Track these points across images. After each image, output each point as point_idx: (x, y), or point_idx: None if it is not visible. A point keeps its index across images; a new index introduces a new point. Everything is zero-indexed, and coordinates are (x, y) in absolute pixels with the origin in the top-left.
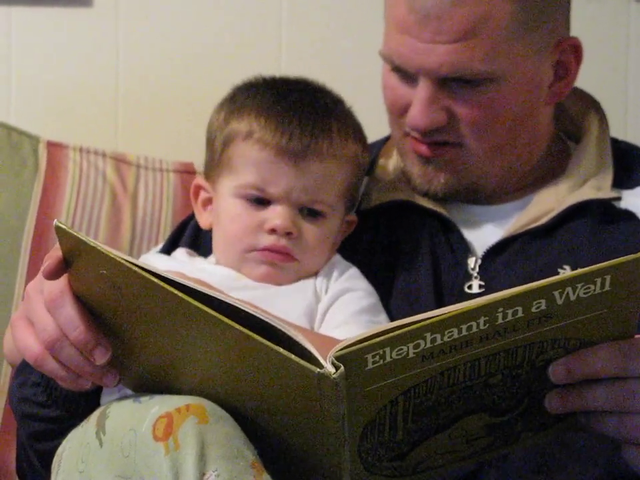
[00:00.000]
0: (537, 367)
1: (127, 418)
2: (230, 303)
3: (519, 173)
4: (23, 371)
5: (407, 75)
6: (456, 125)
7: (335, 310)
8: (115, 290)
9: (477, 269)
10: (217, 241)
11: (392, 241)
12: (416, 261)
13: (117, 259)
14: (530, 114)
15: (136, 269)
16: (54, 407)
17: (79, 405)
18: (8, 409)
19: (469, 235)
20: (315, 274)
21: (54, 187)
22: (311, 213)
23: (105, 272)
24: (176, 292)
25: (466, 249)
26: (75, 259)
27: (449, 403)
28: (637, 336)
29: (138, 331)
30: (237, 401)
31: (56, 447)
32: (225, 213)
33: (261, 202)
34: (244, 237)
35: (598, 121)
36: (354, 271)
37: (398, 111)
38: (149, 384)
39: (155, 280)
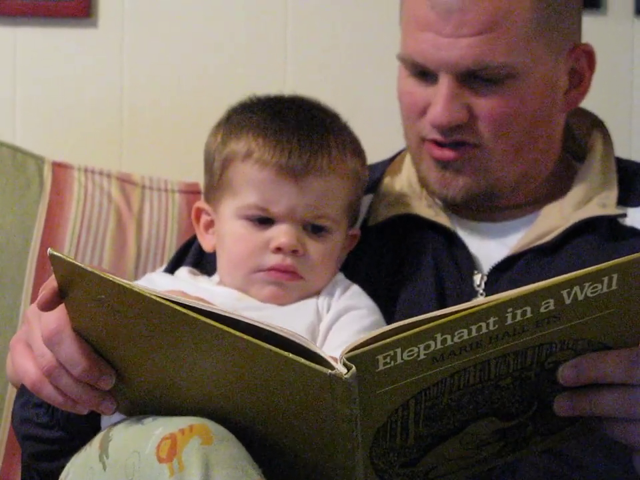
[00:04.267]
0: (546, 370)
1: (131, 440)
2: (234, 317)
3: (531, 184)
4: (25, 392)
5: (426, 76)
6: (475, 124)
7: (337, 329)
8: (115, 314)
9: (483, 286)
10: (222, 263)
11: (396, 256)
12: (420, 275)
13: (116, 281)
14: (547, 118)
15: (136, 289)
16: (56, 428)
17: (81, 426)
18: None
19: (475, 250)
20: (317, 293)
21: (59, 208)
22: (315, 229)
23: (103, 296)
24: (179, 308)
25: (471, 264)
26: (71, 287)
27: (459, 407)
28: None
29: (138, 354)
30: (244, 418)
31: (58, 468)
32: (229, 235)
33: (265, 221)
34: (249, 257)
35: (602, 139)
36: (356, 288)
37: (416, 115)
38: (147, 407)
39: (157, 299)
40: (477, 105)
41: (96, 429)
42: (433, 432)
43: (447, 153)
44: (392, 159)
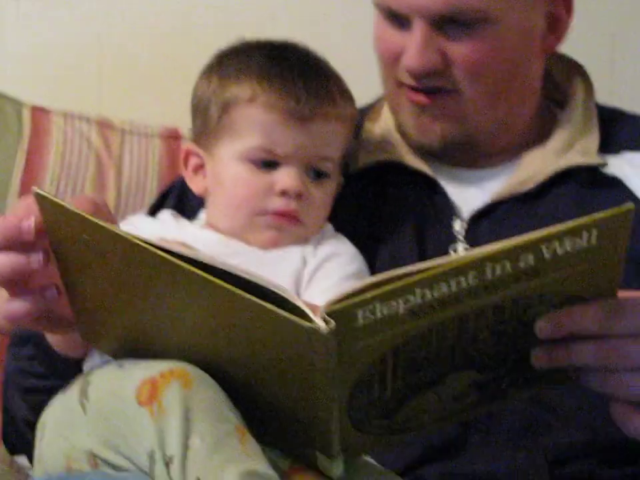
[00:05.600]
0: (524, 323)
1: (110, 384)
2: (215, 265)
3: (510, 131)
4: (15, 343)
5: (400, 21)
6: (451, 70)
7: (321, 275)
8: (98, 256)
9: (463, 232)
10: (217, 207)
11: (377, 202)
12: (401, 221)
13: (99, 223)
14: (524, 63)
15: (119, 232)
16: (52, 378)
17: (78, 372)
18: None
19: (455, 197)
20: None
21: (38, 152)
22: (316, 174)
23: (87, 237)
24: (161, 253)
25: (451, 211)
26: (55, 227)
27: (437, 360)
28: (623, 293)
29: (121, 296)
30: (224, 365)
31: None
32: (229, 178)
33: (269, 165)
34: (253, 200)
35: (583, 85)
36: (339, 236)
37: (391, 60)
38: (131, 349)
39: (140, 242)
40: (452, 51)
41: None
42: (410, 384)
43: (422, 98)
44: (371, 106)
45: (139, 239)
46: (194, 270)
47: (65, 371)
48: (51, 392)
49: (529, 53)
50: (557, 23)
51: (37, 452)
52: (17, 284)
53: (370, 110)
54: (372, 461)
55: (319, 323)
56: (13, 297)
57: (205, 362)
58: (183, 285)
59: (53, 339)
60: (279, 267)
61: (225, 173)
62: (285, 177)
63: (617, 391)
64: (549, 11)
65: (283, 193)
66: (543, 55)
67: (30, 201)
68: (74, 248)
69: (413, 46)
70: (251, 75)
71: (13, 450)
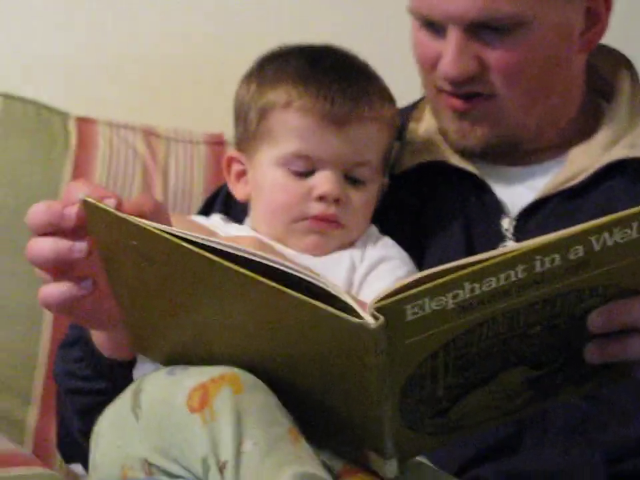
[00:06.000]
0: (576, 317)
1: (162, 391)
2: (265, 262)
3: (554, 128)
4: (64, 346)
5: (436, 29)
6: (488, 75)
7: (372, 280)
8: (147, 261)
9: (512, 230)
10: (258, 213)
11: (423, 203)
12: (448, 222)
13: (148, 227)
14: (562, 62)
15: (166, 235)
16: (100, 380)
17: (125, 374)
18: (48, 386)
19: (502, 195)
20: (351, 244)
21: (85, 163)
22: (353, 181)
23: (135, 242)
24: (206, 254)
25: (499, 209)
26: (104, 236)
27: (488, 356)
28: None
29: (169, 302)
30: (274, 367)
31: None
32: (268, 184)
33: (306, 170)
34: (291, 206)
35: (629, 78)
36: (388, 240)
37: (429, 67)
38: (182, 356)
39: (184, 244)
40: (487, 56)
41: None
42: (462, 382)
43: (461, 104)
44: (414, 106)
45: (187, 239)
46: (240, 270)
47: (110, 373)
48: (97, 394)
49: (568, 51)
50: (596, 18)
51: (92, 461)
52: (59, 270)
53: (413, 110)
54: (426, 461)
55: (368, 318)
56: (51, 281)
57: (254, 365)
58: (230, 285)
59: (99, 340)
60: (329, 273)
61: (264, 179)
62: (323, 182)
63: None
64: (588, 7)
65: (321, 198)
66: (583, 51)
67: (74, 187)
68: (122, 256)
69: (449, 53)
70: (287, 79)
71: (69, 458)
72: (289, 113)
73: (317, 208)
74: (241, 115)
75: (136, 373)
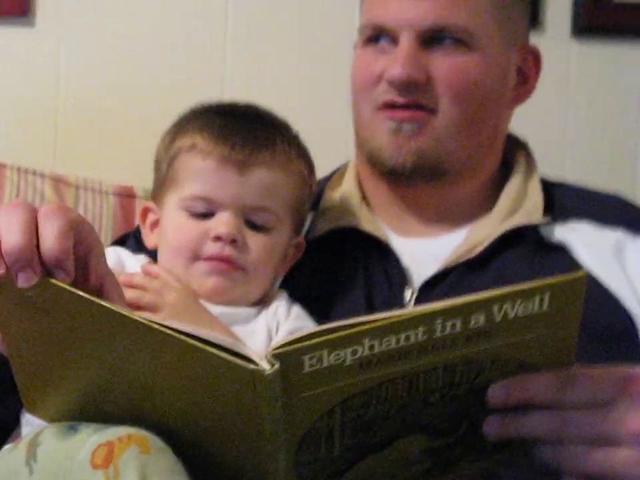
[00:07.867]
0: (476, 389)
1: (62, 446)
2: (164, 324)
3: (476, 176)
4: None
5: (386, 41)
6: (432, 88)
7: None
8: (43, 313)
9: (413, 302)
10: (162, 255)
11: (332, 268)
12: (352, 289)
13: (47, 279)
14: (498, 101)
15: (67, 287)
16: None
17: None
18: None
19: (410, 265)
20: (260, 306)
21: None
22: (254, 226)
23: (30, 294)
24: (107, 304)
25: (403, 279)
26: None
27: (386, 420)
28: (575, 367)
29: (68, 356)
30: (175, 424)
31: None
32: (170, 226)
33: (206, 215)
34: (188, 246)
35: (525, 158)
36: (298, 309)
37: (372, 83)
38: (74, 413)
39: (87, 296)
40: (435, 68)
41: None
42: (359, 444)
43: (401, 113)
44: (331, 175)
45: (81, 290)
46: (144, 321)
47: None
48: None
49: (503, 91)
50: (525, 79)
51: None
52: None
53: (330, 179)
54: None
55: (264, 364)
56: None
57: (154, 420)
58: (134, 337)
59: None
60: (250, 341)
61: (167, 221)
62: (220, 223)
63: (570, 464)
64: (520, 66)
65: (217, 239)
66: (511, 106)
67: None
68: (16, 309)
69: (399, 57)
70: (195, 127)
71: None
72: (191, 156)
73: (213, 248)
74: (156, 166)
75: (24, 419)
